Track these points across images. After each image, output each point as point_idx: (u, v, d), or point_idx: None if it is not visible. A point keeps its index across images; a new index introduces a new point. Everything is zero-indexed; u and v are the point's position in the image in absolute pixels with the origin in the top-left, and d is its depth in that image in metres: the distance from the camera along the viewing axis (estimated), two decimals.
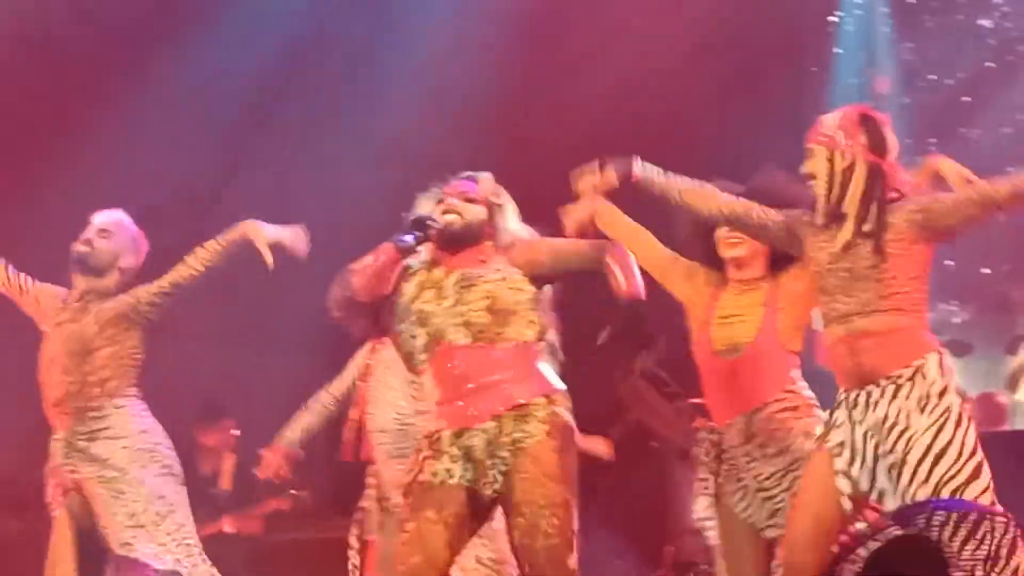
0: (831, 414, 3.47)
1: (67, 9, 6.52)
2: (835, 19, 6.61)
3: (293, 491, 5.85)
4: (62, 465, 4.29)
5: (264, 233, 4.29)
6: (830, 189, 3.47)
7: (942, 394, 3.39)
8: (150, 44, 6.52)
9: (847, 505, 3.37)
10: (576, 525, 3.53)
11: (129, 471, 4.23)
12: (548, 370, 3.69)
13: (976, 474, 3.29)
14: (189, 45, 6.48)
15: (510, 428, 3.55)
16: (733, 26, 6.05)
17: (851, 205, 3.43)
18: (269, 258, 4.32)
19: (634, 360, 4.56)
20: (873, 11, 6.53)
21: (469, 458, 3.62)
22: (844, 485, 3.38)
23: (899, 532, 3.27)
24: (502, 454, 3.58)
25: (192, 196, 6.31)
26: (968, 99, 6.27)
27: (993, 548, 3.18)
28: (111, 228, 4.48)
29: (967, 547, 3.17)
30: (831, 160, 3.48)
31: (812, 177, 3.50)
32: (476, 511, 3.55)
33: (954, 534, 3.17)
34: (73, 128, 6.39)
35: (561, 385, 3.67)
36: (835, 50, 6.56)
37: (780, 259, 3.82)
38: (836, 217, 3.45)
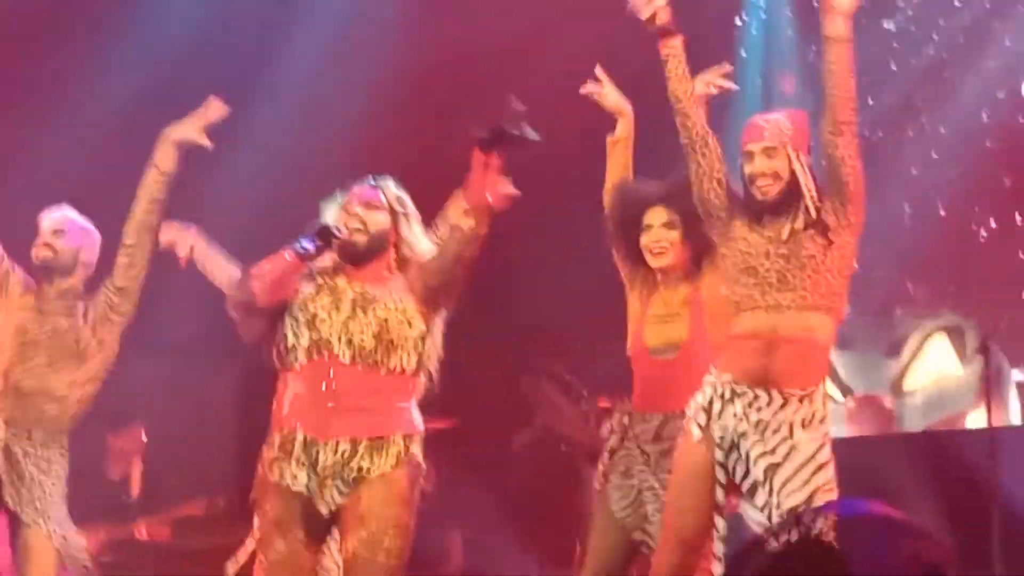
0: (710, 402, 3.62)
1: None
2: (740, 22, 6.78)
3: (205, 496, 6.00)
4: None
5: (183, 127, 4.31)
6: (789, 183, 3.65)
7: (822, 421, 3.69)
8: (67, 47, 6.48)
9: (720, 494, 3.56)
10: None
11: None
12: (415, 408, 3.78)
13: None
14: (103, 46, 6.47)
15: (362, 455, 3.64)
16: (639, 28, 6.20)
17: (807, 196, 3.62)
18: (205, 140, 4.30)
19: None
20: (777, 14, 6.76)
21: (314, 469, 3.68)
22: (720, 474, 3.57)
23: (796, 536, 3.48)
24: (345, 477, 3.66)
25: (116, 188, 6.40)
26: (871, 102, 6.47)
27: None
28: (64, 226, 4.46)
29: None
30: (791, 157, 3.65)
31: (768, 173, 3.65)
32: (314, 521, 3.67)
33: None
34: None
35: (421, 427, 3.77)
36: (740, 53, 6.70)
37: (700, 258, 3.98)
38: (784, 207, 3.62)
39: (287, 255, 3.78)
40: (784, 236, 3.71)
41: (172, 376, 6.43)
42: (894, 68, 6.89)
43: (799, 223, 3.72)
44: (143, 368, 6.26)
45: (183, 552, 6.20)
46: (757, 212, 3.66)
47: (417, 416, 3.77)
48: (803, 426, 3.67)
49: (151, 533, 6.01)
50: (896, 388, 7.52)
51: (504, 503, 6.41)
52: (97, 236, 4.52)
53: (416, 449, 3.74)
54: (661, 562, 3.73)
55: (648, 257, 4.00)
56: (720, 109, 4.30)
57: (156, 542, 6.07)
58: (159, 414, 6.15)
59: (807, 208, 3.66)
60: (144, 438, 6.14)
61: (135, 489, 6.10)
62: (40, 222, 4.47)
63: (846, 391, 7.55)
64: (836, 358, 7.13)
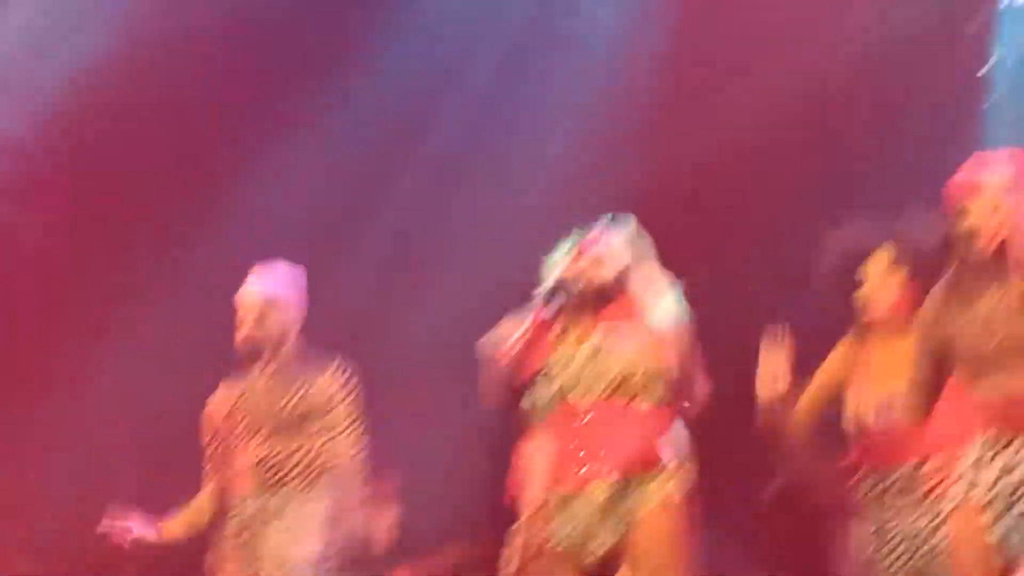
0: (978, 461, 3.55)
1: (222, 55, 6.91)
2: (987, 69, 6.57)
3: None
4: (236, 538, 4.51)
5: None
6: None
7: None
8: (301, 87, 6.88)
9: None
10: None
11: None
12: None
13: None
14: (337, 88, 6.84)
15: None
16: (892, 53, 6.31)
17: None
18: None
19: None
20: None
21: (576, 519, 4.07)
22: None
23: None
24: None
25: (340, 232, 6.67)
26: None
27: None
28: (278, 296, 4.68)
29: None
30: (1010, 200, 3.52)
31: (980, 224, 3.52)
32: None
33: None
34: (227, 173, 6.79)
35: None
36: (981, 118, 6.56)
37: None
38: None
39: (526, 324, 3.95)
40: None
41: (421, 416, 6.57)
42: None
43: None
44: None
45: None
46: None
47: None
48: None
49: None
50: None
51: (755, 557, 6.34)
52: (303, 293, 4.79)
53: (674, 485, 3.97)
54: None
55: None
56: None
57: None
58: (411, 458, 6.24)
59: None
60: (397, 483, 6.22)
61: (389, 538, 6.15)
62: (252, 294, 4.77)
63: None
64: None
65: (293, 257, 4.82)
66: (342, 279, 5.82)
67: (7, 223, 6.78)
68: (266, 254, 4.83)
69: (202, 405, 4.88)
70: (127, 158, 6.69)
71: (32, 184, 6.83)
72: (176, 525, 4.85)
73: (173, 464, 5.90)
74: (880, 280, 4.14)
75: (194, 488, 4.94)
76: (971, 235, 3.52)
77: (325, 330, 4.89)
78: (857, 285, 4.13)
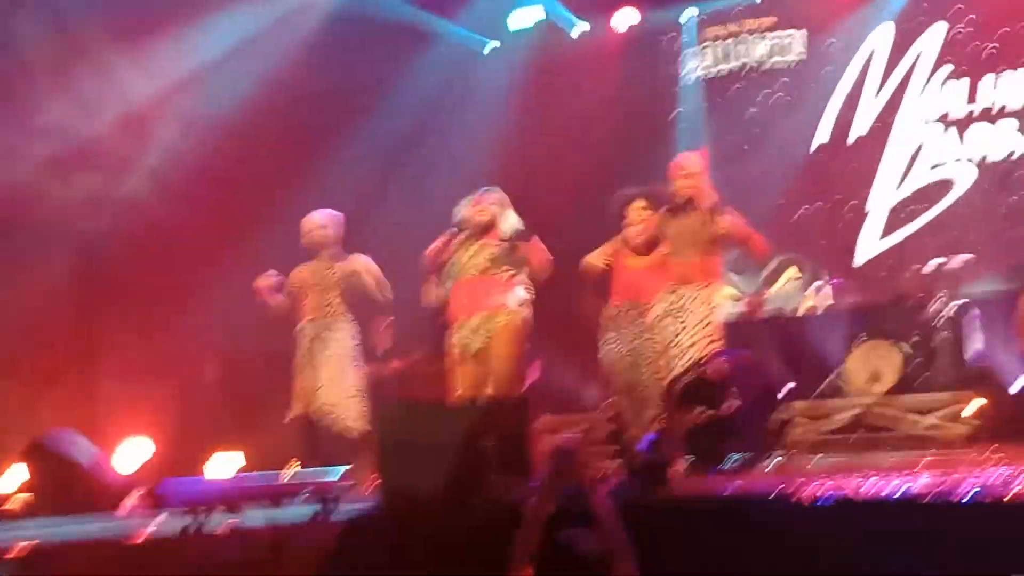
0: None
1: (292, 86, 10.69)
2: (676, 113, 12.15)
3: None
4: None
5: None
6: (699, 189, 6.54)
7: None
8: (349, 117, 10.92)
9: None
10: None
11: None
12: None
13: None
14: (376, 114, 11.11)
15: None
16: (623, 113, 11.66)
17: (709, 198, 6.56)
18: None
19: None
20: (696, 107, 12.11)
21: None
22: None
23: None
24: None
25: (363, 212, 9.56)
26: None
27: None
28: (325, 219, 7.36)
29: None
30: (699, 174, 6.63)
31: (692, 186, 6.55)
32: None
33: None
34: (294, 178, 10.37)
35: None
36: (677, 131, 11.94)
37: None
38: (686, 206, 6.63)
39: (441, 239, 6.58)
40: (698, 222, 6.42)
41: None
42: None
43: (707, 212, 6.38)
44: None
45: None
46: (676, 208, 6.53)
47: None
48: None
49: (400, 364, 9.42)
50: (766, 286, 11.22)
51: None
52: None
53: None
54: None
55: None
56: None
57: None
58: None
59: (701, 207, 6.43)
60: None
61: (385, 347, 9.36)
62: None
63: (742, 292, 11.33)
64: (735, 275, 11.36)
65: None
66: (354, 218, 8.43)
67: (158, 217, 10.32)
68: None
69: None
70: (225, 178, 10.42)
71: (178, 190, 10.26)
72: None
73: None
74: (636, 213, 6.91)
75: None
76: (681, 187, 6.52)
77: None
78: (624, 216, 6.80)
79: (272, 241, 8.94)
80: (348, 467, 6.87)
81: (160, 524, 5.48)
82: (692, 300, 6.54)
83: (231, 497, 5.67)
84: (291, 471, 7.07)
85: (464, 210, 6.74)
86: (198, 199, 10.49)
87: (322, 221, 7.37)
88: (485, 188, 6.86)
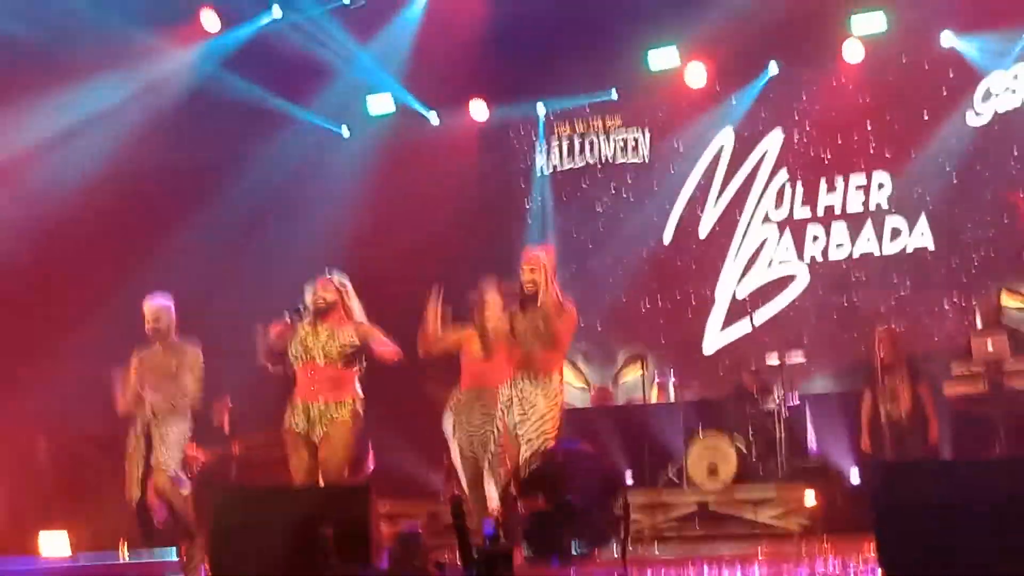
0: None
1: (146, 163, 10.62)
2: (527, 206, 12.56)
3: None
4: None
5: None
6: (544, 286, 6.77)
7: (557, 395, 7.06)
8: (200, 194, 11.02)
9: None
10: None
11: None
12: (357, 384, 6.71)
13: None
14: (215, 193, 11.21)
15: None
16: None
17: (549, 294, 6.82)
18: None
19: None
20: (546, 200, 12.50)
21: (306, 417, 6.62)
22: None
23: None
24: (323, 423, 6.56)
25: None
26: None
27: None
28: (164, 306, 7.55)
29: None
30: (544, 270, 6.85)
31: (534, 280, 6.83)
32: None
33: None
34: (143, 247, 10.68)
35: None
36: (527, 222, 12.36)
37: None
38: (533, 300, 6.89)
39: (284, 319, 6.77)
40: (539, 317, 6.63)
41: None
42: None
43: (547, 307, 6.61)
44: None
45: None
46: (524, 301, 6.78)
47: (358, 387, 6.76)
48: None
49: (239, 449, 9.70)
50: (615, 382, 11.96)
51: None
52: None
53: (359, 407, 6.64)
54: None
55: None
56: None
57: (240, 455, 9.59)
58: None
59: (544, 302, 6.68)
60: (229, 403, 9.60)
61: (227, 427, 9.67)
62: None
63: (589, 383, 11.99)
64: (584, 365, 11.88)
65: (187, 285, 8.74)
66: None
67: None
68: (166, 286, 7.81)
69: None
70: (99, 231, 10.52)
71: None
72: None
73: None
74: (492, 304, 7.08)
75: None
76: (528, 282, 6.76)
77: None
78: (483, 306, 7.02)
79: (109, 322, 9.06)
80: (178, 550, 6.94)
81: None
82: (533, 392, 6.77)
83: None
84: (123, 552, 7.14)
85: (310, 292, 6.88)
86: (35, 274, 10.36)
87: (155, 314, 7.59)
88: (329, 270, 7.05)
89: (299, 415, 6.85)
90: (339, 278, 7.02)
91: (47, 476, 10.20)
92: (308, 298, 6.88)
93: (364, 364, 6.93)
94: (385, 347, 6.77)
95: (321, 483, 6.65)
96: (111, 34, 10.25)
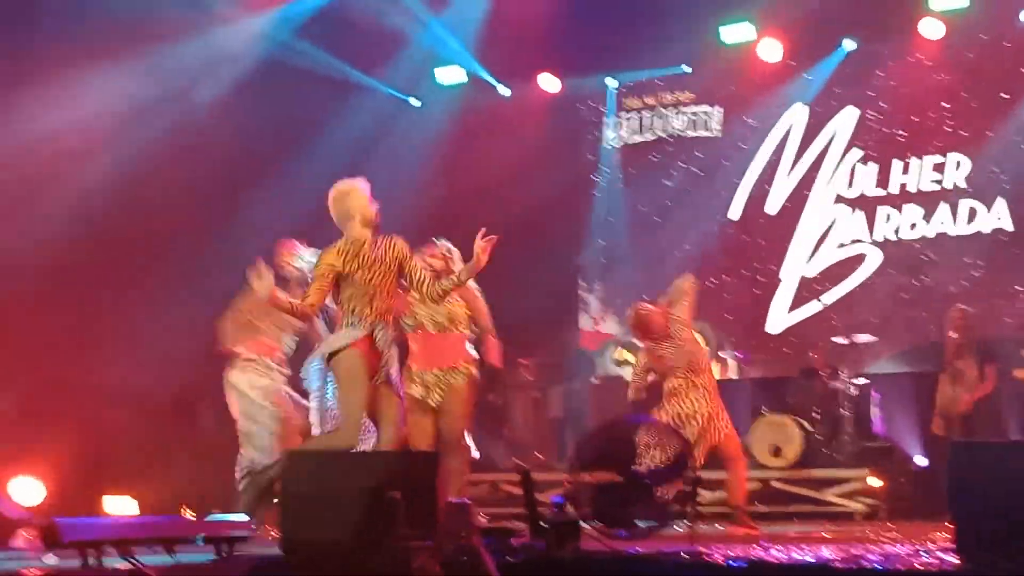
0: None
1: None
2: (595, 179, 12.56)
3: None
4: None
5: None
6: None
7: None
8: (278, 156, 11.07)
9: None
10: None
11: None
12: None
13: None
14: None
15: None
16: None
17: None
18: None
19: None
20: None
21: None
22: None
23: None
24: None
25: None
26: None
27: None
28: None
29: None
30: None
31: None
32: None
33: None
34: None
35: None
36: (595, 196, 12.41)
37: None
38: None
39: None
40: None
41: None
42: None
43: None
44: None
45: None
46: None
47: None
48: None
49: None
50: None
51: None
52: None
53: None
54: None
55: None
56: None
57: None
58: None
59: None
60: None
61: None
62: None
63: None
64: None
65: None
66: None
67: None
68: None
69: None
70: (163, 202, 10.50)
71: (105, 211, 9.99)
72: None
73: None
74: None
75: None
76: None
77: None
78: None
79: (184, 290, 9.23)
80: (246, 513, 6.85)
81: (51, 562, 5.46)
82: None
83: (125, 538, 5.46)
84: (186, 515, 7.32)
85: (418, 260, 6.64)
86: (116, 240, 10.36)
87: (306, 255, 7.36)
88: (437, 238, 7.07)
89: (416, 382, 6.87)
90: (446, 245, 7.01)
91: (115, 439, 10.22)
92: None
93: (473, 329, 6.97)
94: (484, 318, 6.86)
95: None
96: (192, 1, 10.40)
